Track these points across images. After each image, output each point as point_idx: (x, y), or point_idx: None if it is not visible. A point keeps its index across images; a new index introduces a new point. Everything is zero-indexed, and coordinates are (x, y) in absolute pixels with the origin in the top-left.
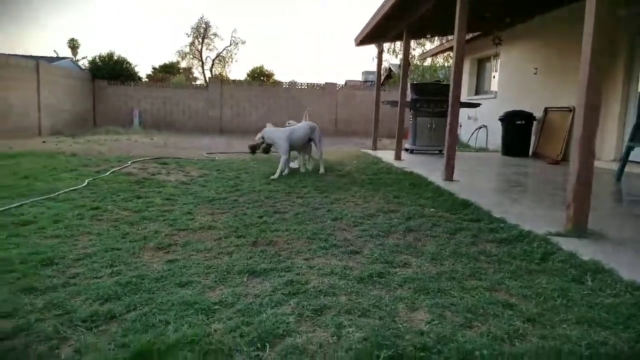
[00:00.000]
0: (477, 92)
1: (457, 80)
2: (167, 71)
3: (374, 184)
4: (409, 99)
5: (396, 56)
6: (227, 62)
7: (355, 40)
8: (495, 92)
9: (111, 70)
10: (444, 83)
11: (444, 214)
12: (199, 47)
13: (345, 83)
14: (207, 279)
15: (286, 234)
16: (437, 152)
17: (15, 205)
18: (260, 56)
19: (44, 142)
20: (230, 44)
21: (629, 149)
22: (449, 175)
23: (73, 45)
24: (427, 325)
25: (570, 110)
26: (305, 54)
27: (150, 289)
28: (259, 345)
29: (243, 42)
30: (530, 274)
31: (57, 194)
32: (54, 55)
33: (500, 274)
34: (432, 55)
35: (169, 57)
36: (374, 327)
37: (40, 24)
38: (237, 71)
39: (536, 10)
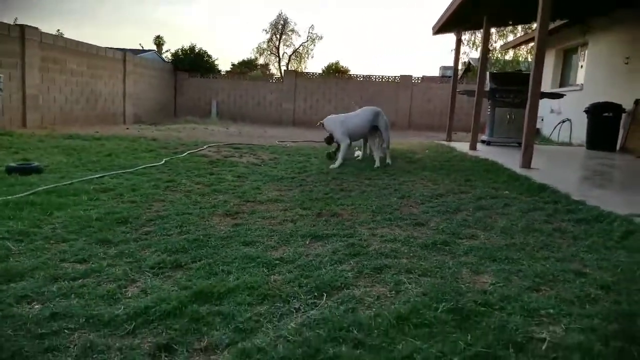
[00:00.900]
0: (561, 85)
1: (540, 59)
2: (245, 67)
3: (445, 169)
4: (487, 89)
5: (476, 49)
6: (304, 58)
7: (433, 28)
8: (581, 84)
9: (192, 63)
10: (525, 72)
11: (518, 196)
12: (277, 43)
13: (422, 78)
14: (271, 240)
15: (351, 207)
16: (515, 144)
17: (97, 176)
18: (336, 52)
19: (127, 128)
20: (307, 40)
21: None
22: (526, 163)
23: (158, 42)
24: (492, 286)
25: None
26: (384, 49)
27: (216, 245)
28: (316, 294)
29: (320, 38)
30: (608, 250)
31: (135, 168)
32: (140, 47)
33: (574, 248)
34: (515, 47)
35: (247, 55)
36: (434, 285)
37: (130, 19)
38: (313, 67)
39: None
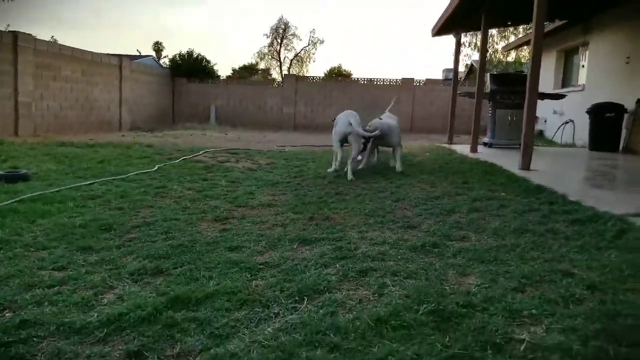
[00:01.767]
0: (563, 86)
1: (537, 55)
2: (246, 72)
3: (444, 172)
4: (487, 90)
5: (477, 50)
6: (305, 62)
7: (432, 30)
8: (583, 84)
9: (190, 68)
10: (526, 73)
11: (514, 197)
12: (278, 47)
13: (425, 80)
14: (258, 245)
15: (344, 211)
16: (517, 146)
17: (86, 183)
18: (339, 55)
19: (123, 135)
20: (309, 44)
21: None
22: (525, 164)
23: (157, 48)
24: (476, 288)
25: None
26: (386, 52)
27: (200, 251)
28: (297, 298)
29: (321, 42)
30: (599, 250)
31: (126, 175)
32: (137, 53)
33: (565, 248)
34: (517, 47)
35: (248, 59)
36: (418, 287)
37: (128, 24)
38: (315, 71)
39: None
